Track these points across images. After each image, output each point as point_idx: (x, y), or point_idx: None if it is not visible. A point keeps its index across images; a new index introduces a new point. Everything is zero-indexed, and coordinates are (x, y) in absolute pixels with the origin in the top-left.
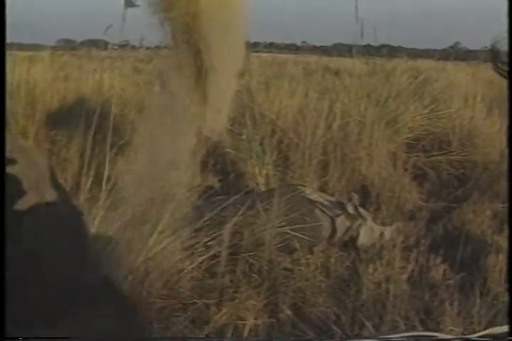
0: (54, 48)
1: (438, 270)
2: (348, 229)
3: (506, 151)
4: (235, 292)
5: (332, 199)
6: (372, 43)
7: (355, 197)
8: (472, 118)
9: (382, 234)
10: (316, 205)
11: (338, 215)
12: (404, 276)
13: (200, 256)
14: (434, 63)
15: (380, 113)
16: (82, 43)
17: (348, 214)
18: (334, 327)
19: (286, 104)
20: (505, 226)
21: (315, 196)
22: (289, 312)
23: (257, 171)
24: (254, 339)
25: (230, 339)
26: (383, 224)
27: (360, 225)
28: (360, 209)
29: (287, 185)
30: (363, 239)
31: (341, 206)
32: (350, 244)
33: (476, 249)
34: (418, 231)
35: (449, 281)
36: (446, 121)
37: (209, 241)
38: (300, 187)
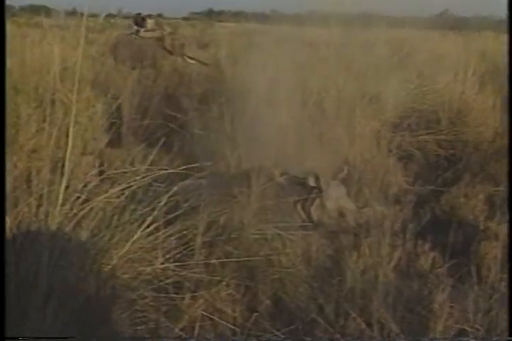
0: None
1: (427, 258)
2: (303, 203)
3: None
4: (211, 282)
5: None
6: (351, 11)
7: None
8: (463, 93)
9: (342, 215)
10: (285, 189)
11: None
12: (391, 264)
13: (174, 245)
14: (419, 33)
15: (361, 89)
16: (23, 9)
17: (308, 187)
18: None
19: (256, 78)
20: (499, 212)
21: (285, 179)
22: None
23: (228, 152)
24: (254, 339)
25: (230, 339)
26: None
27: (313, 199)
28: (323, 183)
29: (259, 167)
30: (314, 214)
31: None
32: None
33: (468, 235)
34: (404, 216)
35: (439, 270)
36: (433, 97)
37: (182, 230)
38: (271, 168)
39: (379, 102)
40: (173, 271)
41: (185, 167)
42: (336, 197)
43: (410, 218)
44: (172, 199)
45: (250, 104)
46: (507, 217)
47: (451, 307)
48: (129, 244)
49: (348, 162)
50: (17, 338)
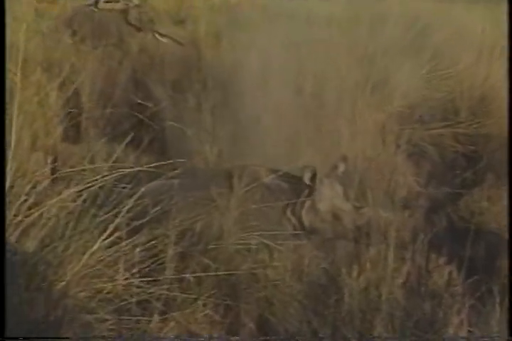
0: None
1: (441, 273)
2: (294, 207)
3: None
4: (184, 301)
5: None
6: None
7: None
8: (487, 78)
9: (337, 217)
10: (272, 191)
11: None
12: (398, 281)
13: (141, 257)
14: (436, 6)
15: (365, 73)
16: None
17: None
18: None
19: (243, 62)
20: None
21: (272, 178)
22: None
23: (207, 148)
24: (254, 339)
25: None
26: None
27: (304, 201)
28: (319, 181)
29: (243, 165)
30: (305, 219)
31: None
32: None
33: (491, 247)
34: (414, 224)
35: (456, 288)
36: (451, 83)
37: (150, 240)
38: (257, 168)
39: (385, 89)
40: (139, 287)
41: (155, 165)
42: (329, 197)
43: (422, 226)
44: (139, 202)
45: (234, 92)
46: None
47: (469, 332)
48: (86, 256)
49: (347, 159)
50: (17, 338)
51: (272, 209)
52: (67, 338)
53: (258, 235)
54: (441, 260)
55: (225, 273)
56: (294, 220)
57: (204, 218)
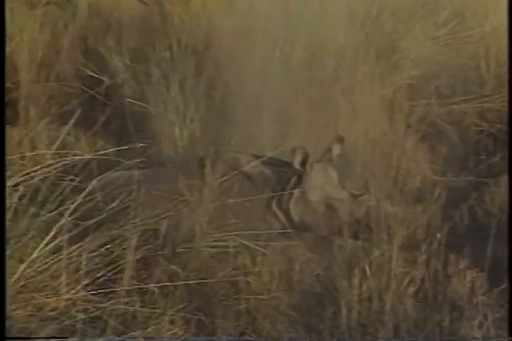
0: None
1: (462, 280)
2: (280, 198)
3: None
4: (149, 317)
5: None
6: None
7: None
8: None
9: (332, 208)
10: (254, 181)
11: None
12: (410, 290)
13: (93, 265)
14: None
15: (368, 38)
16: None
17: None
18: None
19: (218, 25)
20: None
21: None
22: None
23: (176, 131)
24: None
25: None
26: None
27: (293, 187)
28: (309, 166)
29: (219, 151)
30: (294, 213)
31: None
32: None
33: None
34: (429, 220)
35: (481, 298)
36: (474, 48)
37: (105, 244)
38: (236, 154)
39: (393, 57)
40: (91, 302)
41: (111, 150)
42: (321, 184)
43: (438, 222)
44: (90, 198)
45: (208, 62)
46: None
47: None
48: (24, 265)
49: (343, 140)
50: (17, 338)
51: (254, 203)
52: (66, 338)
53: (237, 235)
54: (463, 263)
55: (198, 282)
56: (280, 215)
57: (171, 216)
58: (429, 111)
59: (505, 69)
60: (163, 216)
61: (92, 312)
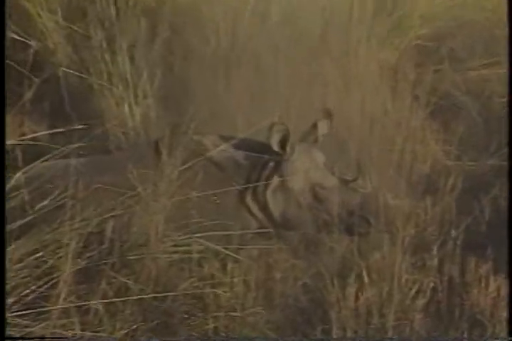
0: None
1: (483, 283)
2: (255, 189)
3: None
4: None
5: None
6: None
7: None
8: None
9: (318, 198)
10: (223, 169)
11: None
12: (418, 302)
13: (20, 279)
14: None
15: None
16: None
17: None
18: None
19: None
20: None
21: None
22: None
23: (126, 109)
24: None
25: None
26: None
27: (268, 178)
28: (290, 147)
29: (178, 133)
30: (274, 206)
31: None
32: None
33: None
34: (442, 214)
35: (503, 303)
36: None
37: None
38: (200, 137)
39: (396, 13)
40: (17, 326)
41: (41, 134)
42: (305, 170)
43: (453, 218)
44: (15, 194)
45: (166, 20)
46: None
47: None
48: None
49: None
50: (17, 338)
51: (224, 197)
52: (66, 338)
53: (203, 237)
54: (485, 267)
55: (154, 296)
56: (256, 210)
57: (119, 215)
58: (441, 79)
59: None
60: (109, 215)
61: (17, 333)
